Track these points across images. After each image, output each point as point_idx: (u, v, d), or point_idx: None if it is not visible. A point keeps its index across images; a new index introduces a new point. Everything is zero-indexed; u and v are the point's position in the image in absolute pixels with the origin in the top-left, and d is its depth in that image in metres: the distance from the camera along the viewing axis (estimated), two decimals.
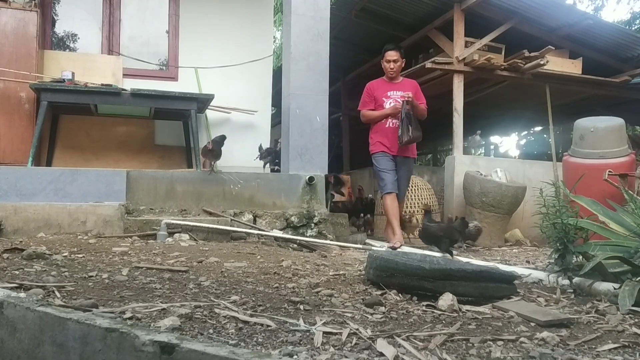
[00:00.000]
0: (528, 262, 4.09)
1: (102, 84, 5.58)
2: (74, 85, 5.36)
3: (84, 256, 3.09)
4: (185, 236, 4.21)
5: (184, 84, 6.38)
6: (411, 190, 6.22)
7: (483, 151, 12.32)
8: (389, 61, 4.99)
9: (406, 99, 4.77)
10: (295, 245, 4.45)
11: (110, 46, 6.42)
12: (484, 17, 6.83)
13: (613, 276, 2.51)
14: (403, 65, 5.08)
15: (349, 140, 10.86)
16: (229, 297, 2.10)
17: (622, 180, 4.37)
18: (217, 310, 1.84)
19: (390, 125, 4.93)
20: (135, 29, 6.62)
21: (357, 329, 1.68)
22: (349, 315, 1.89)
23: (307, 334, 1.62)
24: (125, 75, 6.18)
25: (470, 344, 1.61)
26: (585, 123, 5.05)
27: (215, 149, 4.75)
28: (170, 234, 4.18)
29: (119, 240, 4.00)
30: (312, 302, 2.05)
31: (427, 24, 7.42)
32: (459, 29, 6.79)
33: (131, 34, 6.58)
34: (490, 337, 1.68)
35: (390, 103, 4.94)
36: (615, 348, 1.64)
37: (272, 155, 6.07)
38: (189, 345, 1.36)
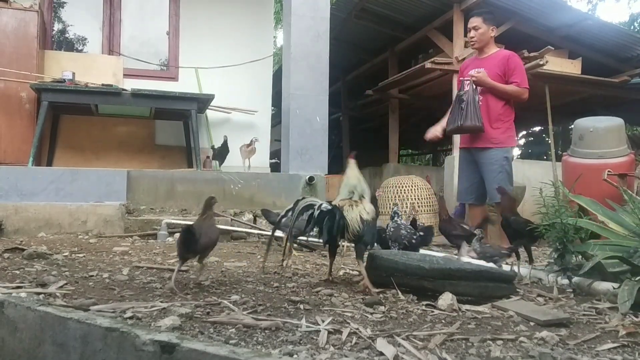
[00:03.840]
0: (527, 261, 4.08)
1: (103, 84, 5.59)
2: (74, 85, 5.37)
3: (84, 256, 3.09)
4: None
5: (184, 84, 6.38)
6: (411, 190, 6.23)
7: None
8: (469, 30, 4.08)
9: (470, 79, 3.89)
10: (295, 245, 4.44)
11: (111, 46, 6.42)
12: None
13: (612, 276, 2.51)
14: (493, 34, 4.03)
15: (349, 140, 10.87)
16: (230, 296, 2.10)
17: (621, 180, 4.37)
18: (217, 310, 1.85)
19: None
20: (136, 29, 6.62)
21: (357, 329, 1.68)
22: (349, 314, 1.90)
23: (308, 333, 1.62)
24: (125, 75, 6.18)
25: (470, 344, 1.61)
26: (584, 123, 5.04)
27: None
28: (171, 234, 4.19)
29: (120, 240, 4.01)
30: (312, 302, 2.06)
31: (426, 25, 7.43)
32: (458, 29, 6.79)
33: (132, 34, 6.59)
34: (490, 336, 1.69)
35: (466, 85, 3.96)
36: (614, 347, 1.64)
37: (218, 156, 5.83)
38: (189, 344, 1.37)
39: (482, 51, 4.08)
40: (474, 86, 3.91)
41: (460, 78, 4.11)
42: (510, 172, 3.96)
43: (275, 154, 7.50)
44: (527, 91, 3.89)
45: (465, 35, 6.72)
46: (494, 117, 3.91)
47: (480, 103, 3.94)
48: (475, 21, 4.02)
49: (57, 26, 6.51)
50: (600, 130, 4.85)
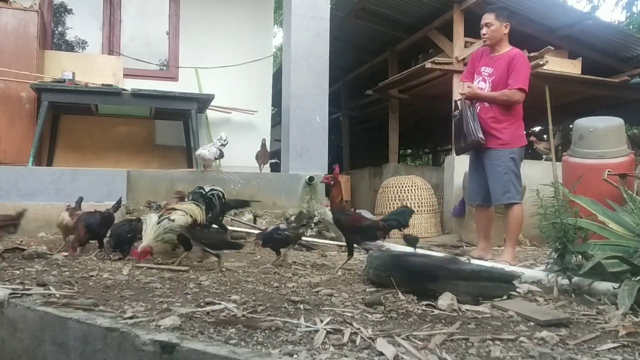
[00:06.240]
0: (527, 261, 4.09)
1: (103, 84, 5.59)
2: (74, 85, 5.37)
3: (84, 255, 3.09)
4: None
5: (184, 84, 6.38)
6: (411, 190, 6.23)
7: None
8: (481, 26, 4.00)
9: (459, 99, 4.01)
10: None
11: (111, 46, 6.42)
12: None
13: (612, 276, 2.51)
14: (506, 31, 3.96)
15: (349, 140, 10.87)
16: (230, 296, 2.10)
17: (621, 180, 4.37)
18: (217, 310, 1.85)
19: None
20: (136, 30, 6.62)
21: (358, 329, 1.68)
22: (349, 314, 1.89)
23: (308, 333, 1.62)
24: (125, 75, 6.18)
25: (470, 344, 1.61)
26: (584, 123, 5.05)
27: None
28: None
29: None
30: (312, 302, 2.06)
31: (426, 25, 7.42)
32: (458, 29, 6.78)
33: (132, 34, 6.58)
34: (490, 336, 1.68)
35: (478, 82, 4.02)
36: (614, 347, 1.64)
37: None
38: (189, 344, 1.37)
39: (494, 49, 4.03)
40: (469, 102, 3.97)
41: (459, 95, 4.10)
42: (518, 172, 3.97)
43: (275, 154, 7.50)
44: (517, 93, 3.84)
45: (465, 36, 6.77)
46: (501, 118, 3.95)
47: (487, 105, 3.97)
48: (488, 17, 3.96)
49: (57, 26, 6.51)
50: (600, 130, 4.85)
